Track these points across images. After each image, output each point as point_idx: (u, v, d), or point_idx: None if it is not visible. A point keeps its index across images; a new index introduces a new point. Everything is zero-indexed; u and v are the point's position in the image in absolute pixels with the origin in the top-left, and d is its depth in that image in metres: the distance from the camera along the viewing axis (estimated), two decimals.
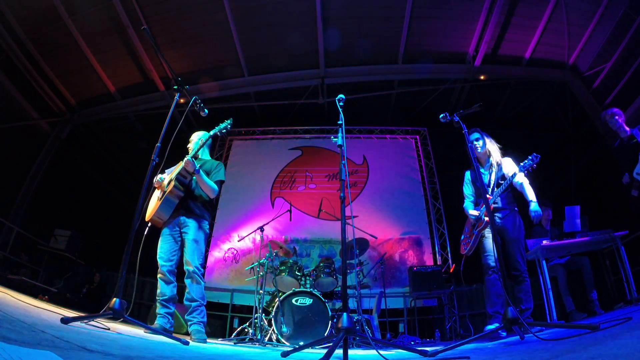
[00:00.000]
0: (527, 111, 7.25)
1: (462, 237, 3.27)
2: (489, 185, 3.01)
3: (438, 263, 6.51)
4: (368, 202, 7.25)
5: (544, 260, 3.72)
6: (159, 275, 2.79)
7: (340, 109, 2.22)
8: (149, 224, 2.91)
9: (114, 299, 1.84)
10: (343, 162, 1.97)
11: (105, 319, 1.94)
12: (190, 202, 2.96)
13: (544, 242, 3.71)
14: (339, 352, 1.46)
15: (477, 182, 3.01)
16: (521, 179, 2.93)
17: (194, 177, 2.93)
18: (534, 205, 2.89)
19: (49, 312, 2.04)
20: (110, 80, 6.72)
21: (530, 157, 2.71)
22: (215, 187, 2.98)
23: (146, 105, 7.16)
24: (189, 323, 2.75)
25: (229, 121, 2.91)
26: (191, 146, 3.22)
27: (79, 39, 5.82)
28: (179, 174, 2.87)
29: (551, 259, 4.31)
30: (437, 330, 5.32)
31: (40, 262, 5.64)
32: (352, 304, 4.35)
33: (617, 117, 3.46)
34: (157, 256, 2.84)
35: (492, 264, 2.81)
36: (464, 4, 5.75)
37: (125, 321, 1.91)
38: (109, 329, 1.82)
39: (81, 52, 6.02)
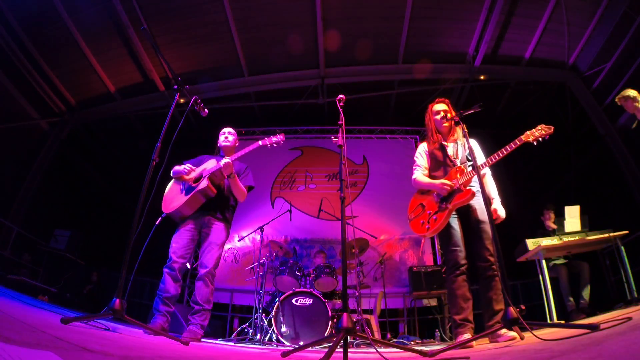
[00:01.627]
0: (527, 111, 7.25)
1: (414, 216, 2.77)
2: (456, 157, 2.67)
3: (438, 263, 6.52)
4: (368, 202, 7.25)
5: (543, 260, 3.73)
6: (166, 271, 2.66)
7: (340, 109, 2.21)
8: (163, 215, 2.80)
9: (114, 299, 1.84)
10: (343, 162, 1.97)
11: (105, 319, 1.94)
12: (218, 203, 2.89)
13: (544, 242, 3.72)
14: (339, 352, 1.46)
15: (439, 152, 2.72)
16: (486, 170, 2.63)
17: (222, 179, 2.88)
18: (497, 203, 2.57)
19: (49, 312, 2.04)
20: (110, 80, 6.71)
21: (539, 126, 2.33)
22: (245, 192, 2.96)
23: (146, 105, 7.15)
24: (189, 321, 2.69)
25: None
26: (228, 142, 3.12)
27: (79, 39, 5.81)
28: (213, 173, 2.80)
29: (552, 258, 4.31)
30: (437, 330, 5.32)
31: (40, 262, 5.64)
32: (352, 304, 4.35)
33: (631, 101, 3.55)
34: (170, 250, 2.73)
35: (462, 261, 2.45)
36: (464, 4, 5.75)
37: (126, 321, 1.91)
38: (109, 329, 1.83)
39: (81, 52, 6.01)
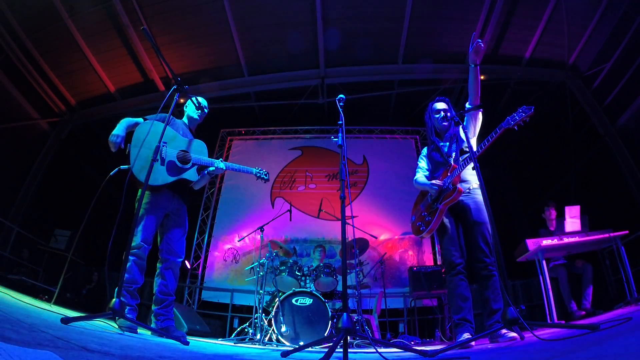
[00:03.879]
0: None
1: (414, 217, 2.80)
2: (449, 155, 2.64)
3: (438, 263, 6.52)
4: (368, 202, 7.26)
5: (544, 261, 3.72)
6: (134, 259, 2.36)
7: (340, 109, 2.21)
8: (131, 175, 2.47)
9: (114, 299, 1.84)
10: (343, 162, 1.97)
11: (105, 319, 1.94)
12: (188, 192, 2.81)
13: (544, 242, 3.71)
14: (339, 352, 1.46)
15: (435, 153, 2.73)
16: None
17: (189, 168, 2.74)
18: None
19: (49, 312, 2.04)
20: (110, 80, 6.72)
21: (520, 109, 2.15)
22: None
23: (146, 105, 7.15)
24: (160, 317, 2.44)
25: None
26: (200, 113, 2.92)
27: (79, 39, 5.81)
28: (208, 169, 2.75)
29: (553, 259, 4.31)
30: (437, 330, 5.32)
31: (40, 262, 5.64)
32: (352, 304, 4.35)
33: None
34: (140, 235, 2.39)
35: (457, 261, 2.44)
36: (464, 4, 5.75)
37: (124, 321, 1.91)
38: (108, 329, 1.82)
39: (81, 52, 6.01)
